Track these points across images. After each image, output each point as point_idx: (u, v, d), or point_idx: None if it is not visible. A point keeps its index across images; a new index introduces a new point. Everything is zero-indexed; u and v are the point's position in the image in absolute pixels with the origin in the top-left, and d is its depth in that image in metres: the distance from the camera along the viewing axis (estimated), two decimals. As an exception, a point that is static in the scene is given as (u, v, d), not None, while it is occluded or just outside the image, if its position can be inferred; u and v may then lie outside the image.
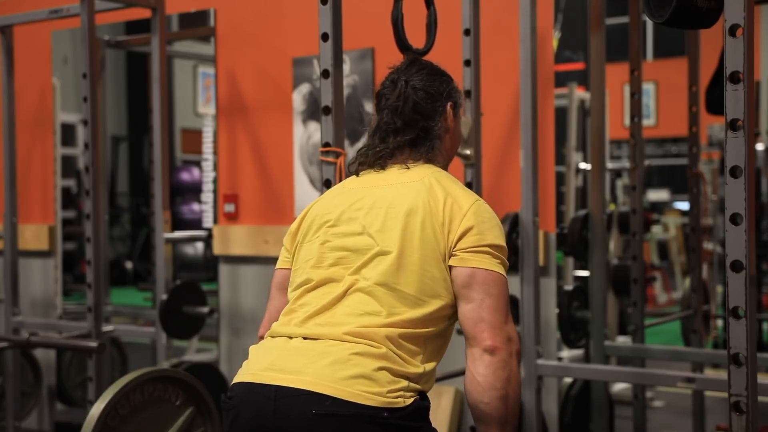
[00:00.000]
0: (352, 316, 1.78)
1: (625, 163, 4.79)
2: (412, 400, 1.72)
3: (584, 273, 3.77)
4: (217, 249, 3.93)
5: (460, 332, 1.83)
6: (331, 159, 2.35)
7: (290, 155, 3.76)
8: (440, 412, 3.29)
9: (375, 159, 1.96)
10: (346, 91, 3.26)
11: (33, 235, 4.46)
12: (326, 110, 2.35)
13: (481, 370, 1.75)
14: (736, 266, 1.62)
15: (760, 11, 4.75)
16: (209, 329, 3.90)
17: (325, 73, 2.34)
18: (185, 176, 7.11)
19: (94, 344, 2.98)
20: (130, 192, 7.76)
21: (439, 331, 1.83)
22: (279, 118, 3.79)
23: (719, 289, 5.36)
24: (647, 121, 6.94)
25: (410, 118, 1.95)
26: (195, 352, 4.72)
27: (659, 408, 4.56)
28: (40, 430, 4.46)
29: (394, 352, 1.74)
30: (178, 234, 4.14)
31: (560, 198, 4.43)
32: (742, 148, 1.61)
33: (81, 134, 4.09)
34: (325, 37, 2.34)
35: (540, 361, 2.76)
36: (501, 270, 1.81)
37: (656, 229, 6.93)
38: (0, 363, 3.97)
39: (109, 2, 3.55)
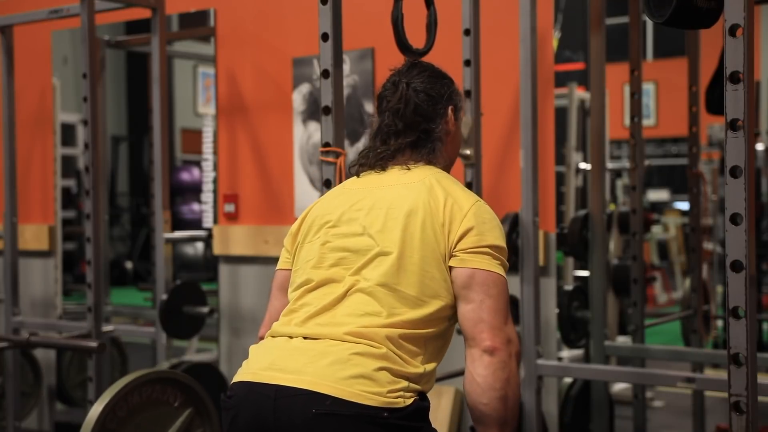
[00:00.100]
0: (353, 317, 1.78)
1: (625, 163, 4.79)
2: (412, 400, 1.72)
3: (584, 273, 3.77)
4: (217, 249, 3.93)
5: (460, 332, 1.83)
6: (331, 159, 2.35)
7: (290, 155, 3.76)
8: (440, 412, 3.29)
9: (376, 160, 1.97)
10: (346, 91, 3.26)
11: (33, 235, 4.46)
12: (326, 110, 2.36)
13: (481, 371, 1.75)
14: (736, 266, 1.62)
15: (760, 11, 4.75)
16: (209, 329, 3.90)
17: (325, 73, 2.34)
18: (185, 176, 7.11)
19: (94, 344, 2.98)
20: (130, 192, 7.76)
21: (439, 332, 1.83)
22: (279, 118, 3.79)
23: (719, 289, 5.36)
24: (647, 121, 6.94)
25: (411, 120, 1.96)
26: (195, 352, 4.72)
27: (659, 408, 4.56)
28: (40, 430, 4.46)
29: (395, 352, 1.74)
30: (178, 234, 4.14)
31: (560, 198, 4.43)
32: (742, 148, 1.61)
33: (81, 134, 4.09)
34: (325, 37, 2.34)
35: (540, 361, 2.76)
36: (501, 271, 1.82)
37: (656, 229, 6.93)
38: (0, 363, 3.97)
39: (109, 2, 3.55)
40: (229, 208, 3.89)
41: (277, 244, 3.69)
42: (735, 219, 1.62)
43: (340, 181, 2.33)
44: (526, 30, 2.74)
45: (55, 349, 4.22)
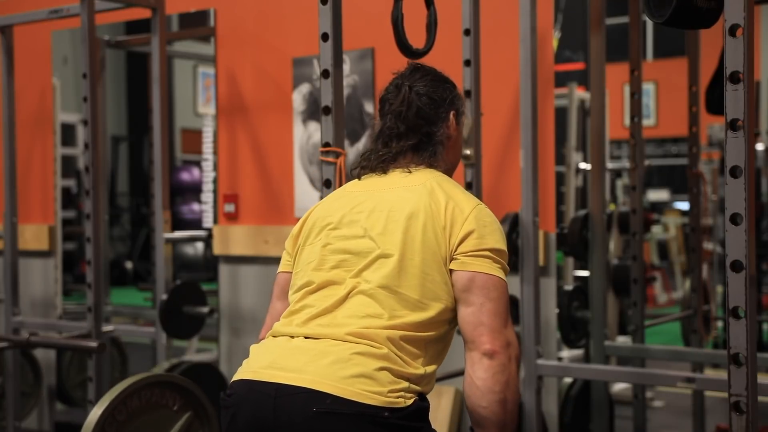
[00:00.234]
0: (354, 318, 1.78)
1: (625, 163, 4.79)
2: (412, 400, 1.73)
3: (584, 273, 3.77)
4: (217, 249, 3.93)
5: (460, 333, 1.83)
6: (331, 159, 2.36)
7: (290, 155, 3.76)
8: (440, 412, 3.29)
9: (377, 163, 1.98)
10: (346, 91, 3.26)
11: (33, 235, 4.46)
12: (326, 110, 2.36)
13: (480, 374, 1.75)
14: (736, 266, 1.62)
15: (760, 11, 4.75)
16: (209, 329, 3.90)
17: (325, 73, 2.34)
18: (185, 176, 7.11)
19: (94, 344, 2.98)
20: (130, 192, 7.75)
21: (439, 335, 1.83)
22: (279, 118, 3.79)
23: (719, 289, 5.36)
24: (647, 121, 6.94)
25: (413, 123, 1.96)
26: (195, 352, 4.72)
27: (659, 408, 4.56)
28: (40, 430, 4.46)
29: (395, 353, 1.75)
30: (178, 234, 4.14)
31: (560, 198, 4.43)
32: (742, 148, 1.61)
33: (81, 134, 4.09)
34: (325, 37, 2.34)
35: (540, 361, 2.76)
36: (501, 274, 1.82)
37: (656, 229, 6.94)
38: (0, 363, 3.97)
39: (109, 2, 3.55)
40: (229, 208, 3.89)
41: (277, 244, 3.69)
42: (735, 219, 1.62)
43: (340, 181, 2.33)
44: (526, 30, 2.74)
45: (55, 349, 4.22)
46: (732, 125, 1.61)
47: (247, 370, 1.79)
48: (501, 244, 1.85)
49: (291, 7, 3.76)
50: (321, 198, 2.33)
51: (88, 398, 3.21)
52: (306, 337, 1.79)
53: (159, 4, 3.66)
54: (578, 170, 4.70)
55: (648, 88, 7.03)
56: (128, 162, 7.72)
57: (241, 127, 3.89)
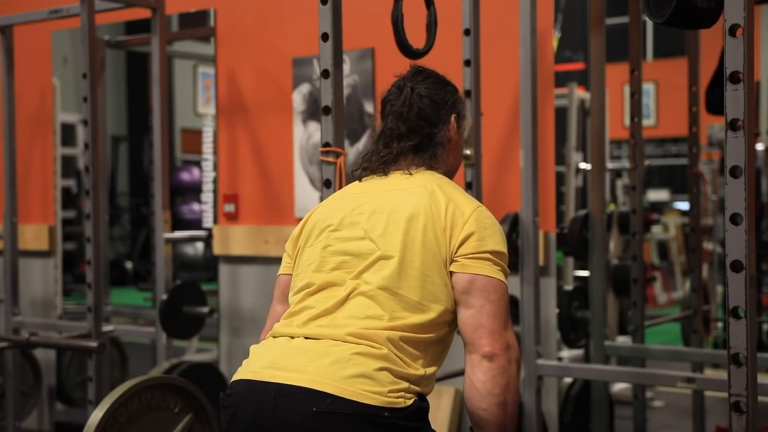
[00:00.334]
0: (354, 319, 1.79)
1: (625, 163, 4.79)
2: (412, 401, 1.73)
3: (584, 273, 3.77)
4: (217, 249, 3.93)
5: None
6: (331, 159, 2.36)
7: (290, 155, 3.76)
8: (440, 412, 3.29)
9: (378, 164, 1.98)
10: (346, 91, 3.26)
11: (33, 235, 4.46)
12: (326, 110, 2.36)
13: (480, 377, 1.75)
14: (736, 266, 1.62)
15: (760, 11, 4.75)
16: (209, 329, 3.90)
17: (325, 73, 2.34)
18: (185, 176, 7.11)
19: (94, 344, 2.98)
20: (130, 192, 7.75)
21: (439, 338, 1.83)
22: (279, 118, 3.79)
23: (719, 289, 5.36)
24: (647, 121, 6.94)
25: (415, 124, 1.97)
26: (195, 352, 4.72)
27: (659, 408, 4.56)
28: (40, 430, 4.46)
29: (396, 354, 1.75)
30: (178, 234, 4.14)
31: (560, 198, 4.43)
32: (742, 148, 1.61)
33: (81, 134, 4.09)
34: (325, 37, 2.34)
35: (540, 361, 2.76)
36: (501, 277, 1.82)
37: (656, 229, 6.94)
38: (0, 363, 3.97)
39: (109, 2, 3.55)
40: (229, 208, 3.89)
41: (277, 244, 3.69)
42: (735, 219, 1.62)
43: (340, 181, 2.33)
44: (526, 30, 2.74)
45: (55, 349, 4.22)
46: (732, 125, 1.61)
47: (246, 370, 1.80)
48: (501, 246, 1.85)
49: (291, 7, 3.76)
50: (321, 198, 2.34)
51: (88, 398, 3.21)
52: (306, 338, 1.79)
53: (159, 4, 3.66)
54: (578, 170, 4.70)
55: (648, 88, 7.03)
56: (128, 162, 7.72)
57: (241, 127, 3.89)
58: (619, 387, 4.42)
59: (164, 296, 3.60)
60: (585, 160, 4.68)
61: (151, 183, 4.18)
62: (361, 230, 1.87)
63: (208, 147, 5.29)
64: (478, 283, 1.80)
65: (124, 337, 4.43)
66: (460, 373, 2.69)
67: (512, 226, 3.02)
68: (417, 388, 1.76)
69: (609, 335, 4.07)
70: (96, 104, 3.21)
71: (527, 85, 2.74)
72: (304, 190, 3.71)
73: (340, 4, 2.36)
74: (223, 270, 3.94)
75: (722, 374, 1.96)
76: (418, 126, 1.97)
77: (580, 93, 4.71)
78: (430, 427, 1.79)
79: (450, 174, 2.03)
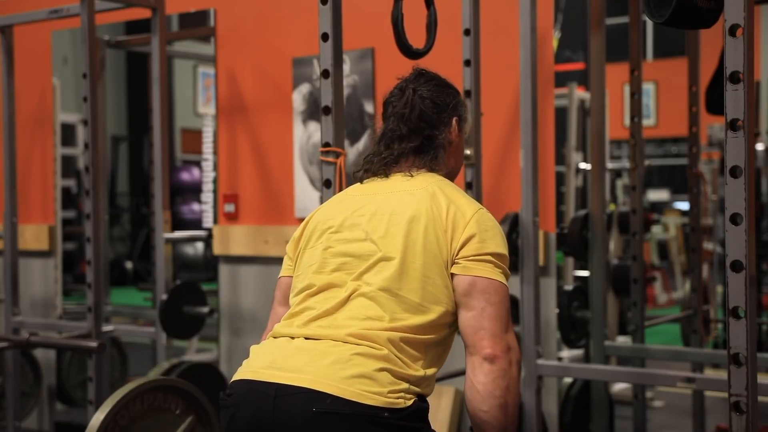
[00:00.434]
0: (355, 320, 1.79)
1: (625, 163, 4.79)
2: (412, 401, 1.73)
3: (584, 273, 3.77)
4: (217, 249, 3.93)
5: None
6: (331, 159, 2.36)
7: (290, 155, 3.76)
8: (440, 412, 3.29)
9: (380, 166, 1.99)
10: (346, 91, 3.26)
11: (33, 235, 4.46)
12: (326, 110, 2.36)
13: (481, 379, 1.76)
14: (736, 266, 1.62)
15: (760, 11, 4.75)
16: (209, 329, 3.90)
17: (325, 73, 2.34)
18: (185, 176, 7.11)
19: (94, 344, 2.98)
20: (130, 192, 7.75)
21: (439, 339, 1.83)
22: (279, 118, 3.79)
23: (719, 289, 5.36)
24: (647, 121, 6.94)
25: (416, 125, 1.97)
26: (195, 352, 4.72)
27: (659, 408, 4.56)
28: (40, 430, 4.46)
29: (396, 354, 1.75)
30: (178, 234, 4.14)
31: (560, 198, 4.43)
32: (742, 148, 1.61)
33: (81, 134, 4.09)
34: (325, 37, 2.34)
35: (540, 361, 2.76)
36: (502, 279, 1.83)
37: (656, 229, 6.94)
38: (0, 363, 3.97)
39: (109, 2, 3.55)
40: (229, 208, 3.89)
41: (277, 244, 3.69)
42: (735, 219, 1.62)
43: (340, 181, 2.33)
44: (526, 30, 2.74)
45: (55, 349, 4.22)
46: (732, 125, 1.61)
47: (247, 370, 1.80)
48: (502, 248, 1.85)
49: (291, 7, 3.76)
50: (321, 198, 2.34)
51: (88, 398, 3.21)
52: (306, 338, 1.79)
53: (159, 4, 3.66)
54: (578, 170, 4.70)
55: (648, 88, 7.03)
56: (128, 162, 7.71)
57: (241, 127, 3.89)
58: (619, 387, 4.42)
59: (164, 296, 3.60)
60: (585, 160, 4.68)
61: (151, 183, 4.18)
62: (362, 232, 1.87)
63: (208, 147, 5.29)
64: (480, 285, 1.80)
65: (124, 337, 4.43)
66: (460, 373, 2.70)
67: (512, 226, 3.02)
68: (417, 389, 1.76)
69: (609, 335, 4.07)
70: (96, 104, 3.21)
71: (527, 85, 2.74)
72: (304, 190, 3.71)
73: (340, 4, 2.36)
74: (223, 270, 3.94)
75: (722, 374, 1.96)
76: (420, 127, 1.98)
77: (580, 93, 4.71)
78: (430, 428, 1.79)
79: (451, 176, 2.03)
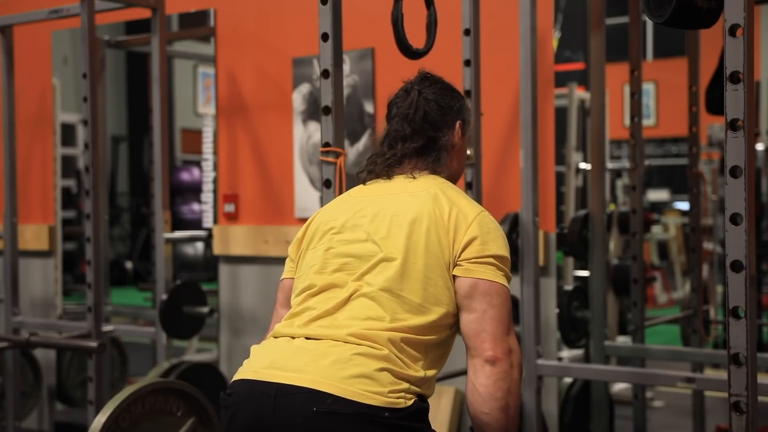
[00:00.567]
0: (356, 320, 1.79)
1: (625, 163, 4.79)
2: (412, 401, 1.73)
3: (584, 273, 3.77)
4: (217, 249, 3.93)
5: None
6: (331, 159, 2.36)
7: (290, 155, 3.76)
8: (440, 412, 3.29)
9: (383, 167, 1.99)
10: (346, 91, 3.26)
11: (33, 235, 4.46)
12: (326, 110, 2.36)
13: (482, 381, 1.76)
14: (736, 266, 1.62)
15: (760, 11, 4.75)
16: (209, 329, 3.90)
17: (325, 73, 2.34)
18: (185, 176, 7.11)
19: (94, 344, 2.98)
20: (130, 192, 7.75)
21: (440, 340, 1.83)
22: (279, 118, 3.79)
23: (719, 289, 5.36)
24: (647, 121, 6.94)
25: (420, 126, 1.98)
26: (195, 352, 4.72)
27: (659, 408, 4.56)
28: (40, 430, 4.46)
29: (396, 355, 1.75)
30: (178, 234, 4.14)
31: (560, 198, 4.43)
32: (742, 148, 1.61)
33: (81, 134, 4.09)
34: (325, 37, 2.34)
35: (540, 361, 2.76)
36: (504, 281, 1.83)
37: (656, 229, 6.94)
38: (0, 363, 3.97)
39: (109, 2, 3.55)
40: (229, 208, 3.89)
41: (277, 244, 3.69)
42: (735, 219, 1.62)
43: (340, 181, 2.33)
44: (526, 30, 2.74)
45: (55, 349, 4.22)
46: (732, 125, 1.61)
47: (247, 370, 1.80)
48: (504, 251, 1.86)
49: (291, 7, 3.76)
50: (321, 198, 2.34)
51: (88, 398, 3.21)
52: (307, 338, 1.79)
53: (159, 4, 3.66)
54: (578, 170, 4.70)
55: (648, 88, 7.03)
56: (128, 162, 7.71)
57: (241, 127, 3.89)
58: (619, 387, 4.42)
59: (164, 296, 3.60)
60: (585, 160, 4.68)
61: (151, 183, 4.19)
62: (364, 233, 1.88)
63: (208, 147, 5.29)
64: (481, 287, 1.80)
65: (124, 337, 4.43)
66: (461, 373, 2.70)
67: (512, 226, 3.02)
68: (417, 389, 1.76)
69: (609, 335, 4.07)
70: (96, 104, 3.21)
71: (527, 85, 2.74)
72: (304, 190, 3.71)
73: (340, 4, 2.36)
74: (223, 270, 3.94)
75: (722, 374, 1.96)
76: (423, 128, 1.98)
77: (580, 93, 4.71)
78: (431, 428, 1.79)
79: (453, 179, 2.04)
